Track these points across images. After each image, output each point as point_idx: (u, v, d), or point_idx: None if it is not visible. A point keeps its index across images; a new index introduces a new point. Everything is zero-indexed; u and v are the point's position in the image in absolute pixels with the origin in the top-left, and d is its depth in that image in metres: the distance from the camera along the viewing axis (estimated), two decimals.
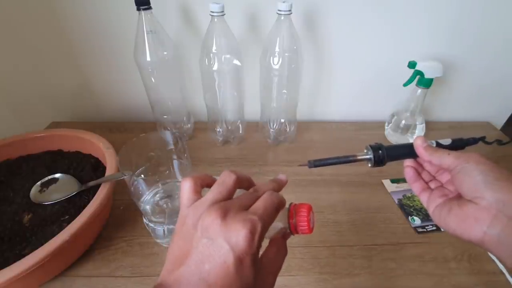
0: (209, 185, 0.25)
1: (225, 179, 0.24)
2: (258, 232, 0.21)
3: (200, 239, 0.21)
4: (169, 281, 0.21)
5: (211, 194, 0.23)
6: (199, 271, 0.20)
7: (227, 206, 0.22)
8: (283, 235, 0.27)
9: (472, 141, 0.31)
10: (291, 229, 0.26)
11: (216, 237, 0.20)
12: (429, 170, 0.32)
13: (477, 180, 0.25)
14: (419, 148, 0.30)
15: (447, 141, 0.31)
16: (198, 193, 0.24)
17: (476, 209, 0.24)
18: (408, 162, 0.33)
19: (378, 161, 0.30)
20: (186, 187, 0.24)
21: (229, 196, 0.24)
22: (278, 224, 0.26)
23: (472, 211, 0.24)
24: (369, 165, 0.31)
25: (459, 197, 0.27)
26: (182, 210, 0.24)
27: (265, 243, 0.26)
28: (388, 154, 0.30)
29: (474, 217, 0.24)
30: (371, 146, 0.31)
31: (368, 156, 0.31)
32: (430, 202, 0.30)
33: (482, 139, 0.32)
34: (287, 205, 0.26)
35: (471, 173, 0.25)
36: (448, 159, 0.27)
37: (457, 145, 0.31)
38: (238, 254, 0.20)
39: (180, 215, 0.24)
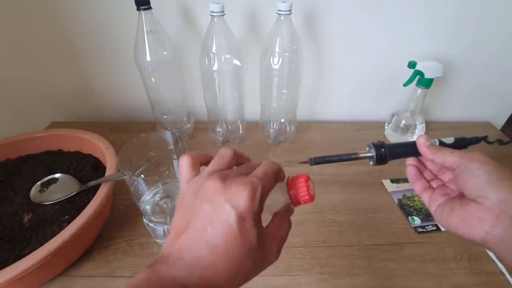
0: (207, 163, 0.26)
1: (223, 153, 0.25)
2: (258, 192, 0.21)
3: (200, 205, 0.21)
4: (171, 252, 0.21)
5: (210, 167, 0.24)
6: (202, 234, 0.20)
7: (226, 173, 0.22)
8: (286, 210, 0.27)
9: (475, 140, 0.31)
10: (293, 201, 0.26)
11: (217, 199, 0.20)
12: (431, 169, 0.32)
13: (481, 179, 0.25)
14: (422, 147, 0.29)
15: (450, 140, 0.31)
16: (196, 169, 0.25)
17: (479, 209, 0.24)
18: (410, 161, 0.32)
19: (381, 159, 0.30)
20: (184, 163, 0.24)
21: (228, 168, 0.24)
22: (279, 198, 0.26)
23: (475, 210, 0.24)
24: (371, 163, 0.31)
25: (461, 196, 0.27)
26: (182, 186, 0.24)
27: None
28: (390, 152, 0.30)
29: (477, 217, 0.24)
30: (373, 144, 0.30)
31: (370, 154, 0.30)
32: (431, 201, 0.29)
33: (485, 138, 0.32)
34: (285, 180, 0.27)
35: (474, 172, 0.25)
36: (451, 158, 0.27)
37: (460, 144, 0.31)
38: (240, 213, 0.20)
39: (180, 192, 0.24)
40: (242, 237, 0.20)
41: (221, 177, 0.21)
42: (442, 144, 0.30)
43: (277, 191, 0.26)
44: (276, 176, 0.24)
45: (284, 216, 0.26)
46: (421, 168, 0.32)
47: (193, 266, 0.20)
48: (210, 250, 0.20)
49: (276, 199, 0.26)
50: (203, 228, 0.20)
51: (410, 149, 0.30)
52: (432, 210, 0.29)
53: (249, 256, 0.21)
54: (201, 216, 0.21)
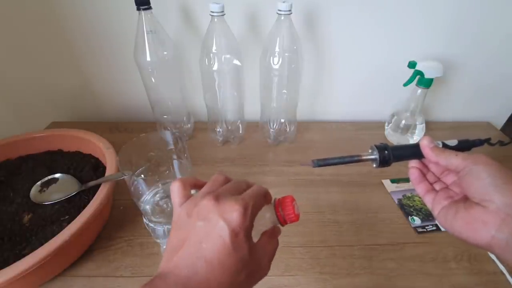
0: (196, 186, 0.27)
1: (216, 177, 0.27)
2: (249, 208, 0.22)
3: (195, 222, 0.22)
4: (167, 269, 0.21)
5: (204, 189, 0.25)
6: (197, 250, 0.21)
7: (219, 193, 0.24)
8: (273, 229, 0.28)
9: (478, 143, 0.31)
10: (280, 221, 0.28)
11: (211, 216, 0.22)
12: (434, 171, 0.32)
13: (486, 182, 0.24)
14: (426, 149, 0.29)
15: (453, 142, 0.30)
16: (187, 193, 0.26)
17: (484, 213, 0.24)
18: (413, 163, 0.32)
19: (384, 162, 0.30)
20: (175, 189, 0.26)
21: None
22: (267, 219, 0.28)
23: (480, 214, 0.24)
24: (374, 165, 0.30)
25: (465, 199, 0.27)
26: (175, 209, 0.25)
27: None
28: (393, 155, 0.30)
29: (482, 221, 0.24)
30: (376, 146, 0.30)
31: (373, 157, 0.30)
32: (435, 204, 0.29)
33: (488, 140, 0.32)
34: (272, 202, 0.29)
35: (479, 175, 0.25)
36: (455, 160, 0.27)
37: (463, 146, 0.30)
38: (233, 228, 0.21)
39: (174, 215, 0.25)
40: (235, 251, 0.21)
41: (214, 196, 0.23)
42: (445, 146, 0.30)
43: (265, 212, 0.28)
44: (265, 197, 0.26)
45: (272, 233, 0.27)
46: (424, 171, 0.32)
47: (188, 281, 0.21)
48: (205, 264, 0.21)
49: (264, 219, 0.28)
50: (198, 243, 0.21)
51: (414, 151, 0.30)
52: (435, 213, 0.29)
53: (242, 268, 0.22)
54: (196, 232, 0.22)
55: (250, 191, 0.25)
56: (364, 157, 0.30)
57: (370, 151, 0.31)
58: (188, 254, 0.21)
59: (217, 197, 0.23)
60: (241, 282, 0.22)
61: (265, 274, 0.25)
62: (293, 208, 0.27)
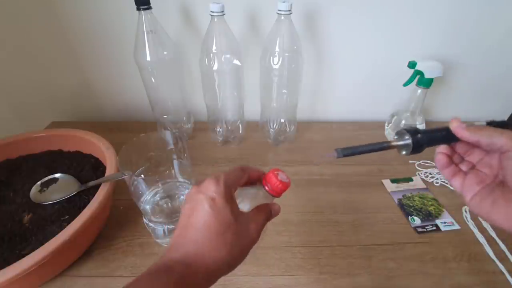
0: None
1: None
2: (222, 178, 0.26)
3: (184, 206, 0.26)
4: (169, 250, 0.25)
5: None
6: (187, 222, 0.25)
7: (200, 180, 0.27)
8: (265, 204, 0.30)
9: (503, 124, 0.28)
10: (272, 195, 0.29)
11: (193, 196, 0.26)
12: (460, 151, 0.30)
13: None
14: (460, 130, 0.26)
15: (482, 123, 0.28)
16: None
17: None
18: (441, 149, 0.30)
19: (417, 146, 0.27)
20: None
21: None
22: (260, 197, 0.29)
23: None
24: (404, 152, 0.28)
25: (501, 185, 0.25)
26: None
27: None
28: (427, 138, 0.27)
29: None
30: (407, 131, 0.27)
31: (405, 142, 0.27)
32: (465, 189, 0.27)
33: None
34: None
35: None
36: (500, 138, 0.24)
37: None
38: (210, 196, 0.25)
39: None
40: (216, 214, 0.24)
41: (196, 184, 0.27)
42: None
43: (257, 191, 0.29)
44: (242, 169, 0.28)
45: (261, 206, 0.29)
46: (450, 154, 0.30)
47: (180, 245, 0.25)
48: (193, 230, 0.25)
49: (259, 198, 0.29)
50: (188, 218, 0.25)
51: (446, 134, 0.28)
52: (467, 199, 0.27)
53: (227, 229, 0.25)
54: (185, 212, 0.26)
55: (227, 170, 0.28)
56: (395, 143, 0.28)
57: (396, 137, 0.28)
58: (180, 228, 0.26)
59: (198, 183, 0.27)
60: (230, 243, 0.25)
61: (254, 241, 0.27)
62: (276, 177, 0.28)
